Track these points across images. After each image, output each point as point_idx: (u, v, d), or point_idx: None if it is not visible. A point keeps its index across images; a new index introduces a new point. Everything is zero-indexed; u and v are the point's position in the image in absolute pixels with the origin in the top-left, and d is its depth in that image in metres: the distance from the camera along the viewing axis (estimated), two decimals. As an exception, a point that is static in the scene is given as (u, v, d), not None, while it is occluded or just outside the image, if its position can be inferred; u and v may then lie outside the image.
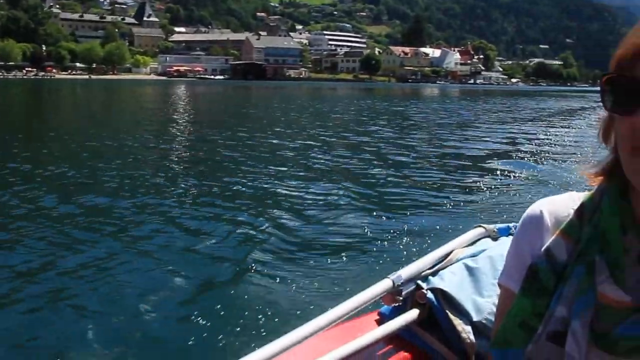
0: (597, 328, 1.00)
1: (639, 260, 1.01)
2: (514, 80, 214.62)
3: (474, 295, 1.54)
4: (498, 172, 13.44)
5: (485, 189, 11.34)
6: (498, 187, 11.60)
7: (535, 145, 19.66)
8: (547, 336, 1.04)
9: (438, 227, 8.07)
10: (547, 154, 17.24)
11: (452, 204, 9.63)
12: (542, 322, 1.05)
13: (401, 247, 6.97)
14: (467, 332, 1.45)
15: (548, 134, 23.96)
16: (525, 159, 16.23)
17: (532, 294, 1.08)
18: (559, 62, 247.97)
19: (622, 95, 0.96)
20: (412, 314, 1.52)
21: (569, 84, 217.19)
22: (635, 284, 0.99)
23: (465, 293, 1.52)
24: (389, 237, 7.50)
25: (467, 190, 11.28)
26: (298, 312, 4.86)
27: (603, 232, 1.04)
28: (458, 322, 1.46)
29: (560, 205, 1.16)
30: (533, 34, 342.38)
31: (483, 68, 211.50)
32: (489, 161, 15.81)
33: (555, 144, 20.14)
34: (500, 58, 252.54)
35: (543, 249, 1.10)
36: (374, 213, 9.10)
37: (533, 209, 1.18)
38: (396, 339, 1.52)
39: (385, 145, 19.21)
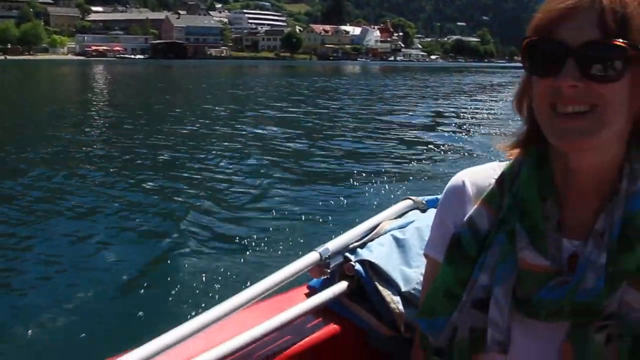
0: (519, 294, 1.02)
1: (558, 227, 1.03)
2: (433, 57, 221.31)
3: (402, 266, 1.54)
4: (426, 145, 13.72)
5: (413, 161, 11.56)
6: (426, 160, 11.85)
7: (461, 118, 20.20)
8: (472, 304, 1.05)
9: (366, 200, 8.19)
10: (472, 127, 17.71)
11: (380, 177, 9.77)
12: (466, 290, 1.07)
13: (330, 220, 7.03)
14: (395, 302, 1.45)
15: (472, 107, 24.66)
16: (452, 132, 16.61)
17: (455, 263, 1.09)
18: (477, 39, 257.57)
19: (542, 57, 0.97)
20: (341, 286, 1.51)
21: (486, 60, 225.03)
22: (554, 250, 1.02)
23: (393, 264, 1.53)
24: (318, 211, 7.55)
25: (396, 163, 11.47)
26: (227, 287, 4.86)
27: (522, 200, 1.05)
28: (387, 293, 1.46)
29: (481, 176, 1.17)
30: (450, 11, 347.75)
31: (403, 45, 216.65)
32: (417, 135, 16.11)
33: (479, 117, 20.76)
34: (419, 35, 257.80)
35: (465, 218, 1.11)
36: (303, 187, 9.13)
37: (455, 179, 1.19)
38: (325, 312, 1.51)
39: (312, 120, 19.28)
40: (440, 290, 1.10)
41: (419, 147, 13.53)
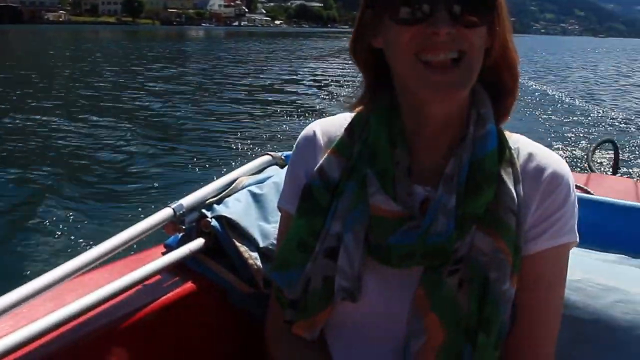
0: (371, 240, 1.02)
1: (408, 172, 1.04)
2: (277, 22, 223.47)
3: (260, 221, 1.52)
4: (285, 104, 13.80)
5: (272, 120, 11.58)
6: (285, 118, 11.91)
7: (316, 81, 20.51)
8: (324, 253, 1.04)
9: (224, 156, 8.12)
10: (328, 86, 18.04)
11: (239, 133, 9.70)
12: (319, 240, 1.05)
13: (186, 177, 6.90)
14: (253, 258, 1.44)
15: (326, 70, 25.10)
16: (310, 92, 16.84)
17: (308, 214, 1.08)
18: (319, 4, 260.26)
19: (408, 4, 0.95)
20: (198, 242, 1.47)
21: (329, 26, 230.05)
22: (405, 195, 1.02)
23: (251, 220, 1.50)
24: (174, 168, 7.38)
25: (255, 121, 11.44)
26: (78, 249, 4.66)
27: (372, 145, 1.05)
28: (244, 249, 1.44)
29: (333, 125, 1.16)
30: None
31: (247, 10, 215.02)
32: (275, 93, 16.15)
33: (334, 78, 21.15)
34: (262, 0, 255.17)
35: (316, 168, 1.09)
36: (158, 146, 8.86)
37: (307, 130, 1.18)
38: (182, 269, 1.46)
39: (165, 85, 18.72)
40: (294, 242, 1.09)
41: (277, 106, 13.61)
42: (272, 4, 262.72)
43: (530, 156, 1.07)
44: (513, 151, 1.06)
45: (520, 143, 1.10)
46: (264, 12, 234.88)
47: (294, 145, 1.20)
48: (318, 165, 1.10)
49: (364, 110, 1.12)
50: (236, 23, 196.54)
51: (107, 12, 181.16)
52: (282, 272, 1.10)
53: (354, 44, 1.09)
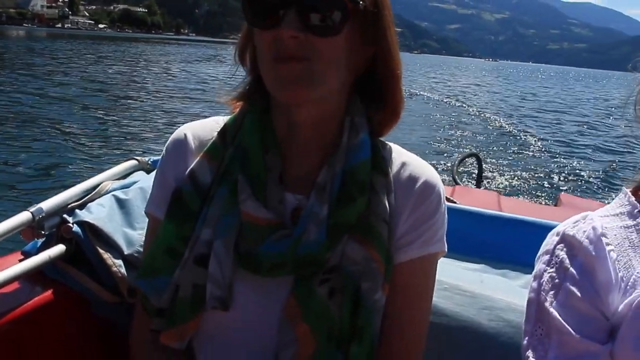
0: (242, 248, 1.00)
1: (281, 180, 1.04)
2: (101, 25, 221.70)
3: (125, 227, 1.47)
4: (150, 110, 13.42)
5: (140, 122, 11.22)
6: (155, 121, 11.58)
7: (178, 87, 20.25)
8: (194, 260, 1.02)
9: (89, 159, 7.74)
10: (188, 92, 17.85)
11: (105, 137, 9.31)
12: (188, 246, 1.03)
13: (47, 181, 6.50)
14: (117, 266, 1.38)
15: (196, 76, 24.83)
16: (172, 96, 16.55)
17: (177, 219, 1.05)
18: (144, 10, 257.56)
19: (262, 8, 0.97)
20: (58, 249, 1.39)
21: (153, 32, 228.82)
22: (277, 202, 1.02)
23: (115, 225, 1.45)
24: (34, 170, 6.94)
25: (120, 125, 11.03)
26: None
27: (245, 150, 1.04)
28: (108, 256, 1.38)
29: (204, 129, 1.14)
30: None
31: (70, 12, 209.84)
32: (138, 98, 15.72)
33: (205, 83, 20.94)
34: (84, 2, 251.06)
35: (187, 172, 1.07)
36: (13, 144, 8.30)
37: (177, 133, 1.15)
38: (41, 277, 1.38)
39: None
40: (161, 248, 1.06)
41: (144, 109, 13.23)
42: (93, 6, 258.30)
43: (403, 165, 1.10)
44: (386, 160, 1.08)
45: (394, 152, 1.12)
46: (87, 15, 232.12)
47: (164, 149, 1.16)
48: (189, 169, 1.08)
49: (238, 114, 1.12)
50: (59, 25, 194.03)
51: None
52: (149, 279, 1.06)
53: (239, 50, 1.10)
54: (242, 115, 1.10)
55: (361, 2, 0.98)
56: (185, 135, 1.13)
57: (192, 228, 1.04)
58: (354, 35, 1.00)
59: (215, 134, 1.11)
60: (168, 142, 1.16)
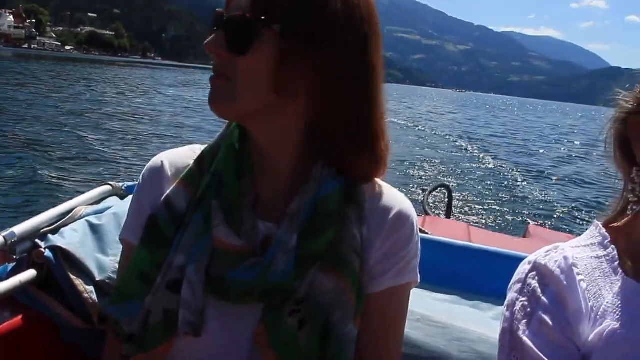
0: (213, 273, 1.00)
1: (254, 207, 1.05)
2: (68, 47, 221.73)
3: (97, 253, 1.46)
4: (127, 135, 13.33)
5: (115, 147, 11.11)
6: (128, 145, 11.49)
7: (156, 112, 20.17)
8: (166, 285, 1.02)
9: (62, 184, 7.63)
10: (158, 114, 17.78)
11: (77, 161, 9.19)
12: (161, 272, 1.03)
13: (19, 204, 6.39)
14: (89, 292, 1.37)
15: (171, 99, 24.78)
16: (153, 121, 16.46)
17: (151, 245, 1.06)
18: (111, 33, 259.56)
19: (237, 34, 0.98)
20: (29, 274, 1.37)
21: (120, 55, 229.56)
22: (249, 229, 1.03)
23: (88, 251, 1.44)
24: (4, 195, 6.82)
25: (95, 150, 10.92)
26: None
27: (219, 176, 1.05)
28: (79, 282, 1.37)
29: (180, 157, 1.15)
30: (80, 1, 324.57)
31: (37, 33, 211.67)
32: (119, 124, 15.61)
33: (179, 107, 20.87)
34: (51, 24, 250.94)
35: (163, 198, 1.08)
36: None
37: (154, 160, 1.16)
38: (11, 302, 1.36)
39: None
40: (134, 273, 1.05)
41: (118, 134, 13.13)
42: (60, 28, 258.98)
43: (377, 195, 1.10)
44: (360, 190, 1.08)
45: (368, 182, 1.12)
46: (54, 36, 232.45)
47: (140, 176, 1.17)
48: (165, 195, 1.08)
49: (215, 141, 1.13)
50: (26, 45, 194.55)
51: None
52: (121, 305, 1.06)
53: None
54: (219, 143, 1.12)
55: (274, 26, 0.96)
56: (162, 162, 1.14)
57: (165, 254, 1.05)
58: (276, 58, 0.97)
59: (192, 161, 1.12)
60: (144, 169, 1.16)
